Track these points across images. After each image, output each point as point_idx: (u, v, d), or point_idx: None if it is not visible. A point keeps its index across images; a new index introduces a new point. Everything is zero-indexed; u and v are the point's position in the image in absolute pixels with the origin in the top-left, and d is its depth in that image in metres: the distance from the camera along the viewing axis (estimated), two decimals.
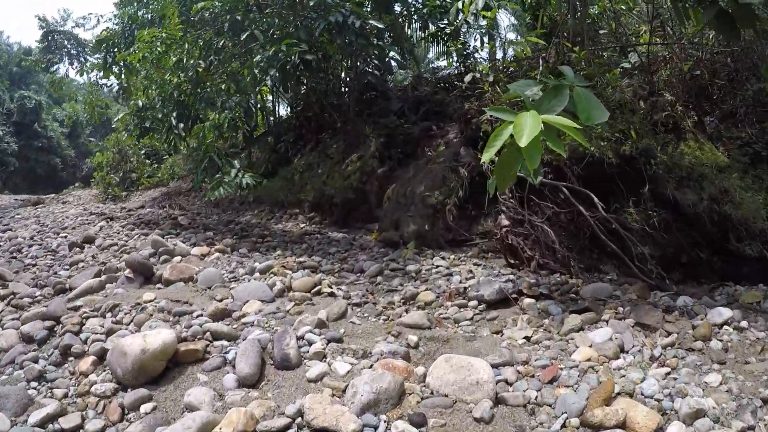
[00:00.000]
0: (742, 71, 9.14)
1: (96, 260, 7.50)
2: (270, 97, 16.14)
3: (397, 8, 11.93)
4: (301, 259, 7.44)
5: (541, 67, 7.68)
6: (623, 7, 10.52)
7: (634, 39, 9.25)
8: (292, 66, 8.36)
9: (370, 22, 8.90)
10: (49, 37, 27.82)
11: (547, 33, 8.52)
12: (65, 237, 9.51)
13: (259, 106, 14.86)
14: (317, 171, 11.83)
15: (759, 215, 7.78)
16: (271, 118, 16.91)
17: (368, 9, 11.94)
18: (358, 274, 6.92)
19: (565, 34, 8.56)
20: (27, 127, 42.33)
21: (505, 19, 14.47)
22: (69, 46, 27.66)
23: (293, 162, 13.21)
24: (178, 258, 7.15)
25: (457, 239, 8.43)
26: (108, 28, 14.33)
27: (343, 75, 12.74)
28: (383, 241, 8.74)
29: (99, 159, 18.87)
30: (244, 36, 9.26)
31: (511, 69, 8.29)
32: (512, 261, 7.33)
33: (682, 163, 7.64)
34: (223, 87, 9.76)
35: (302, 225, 10.69)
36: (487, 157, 3.73)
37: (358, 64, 9.33)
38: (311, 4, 9.42)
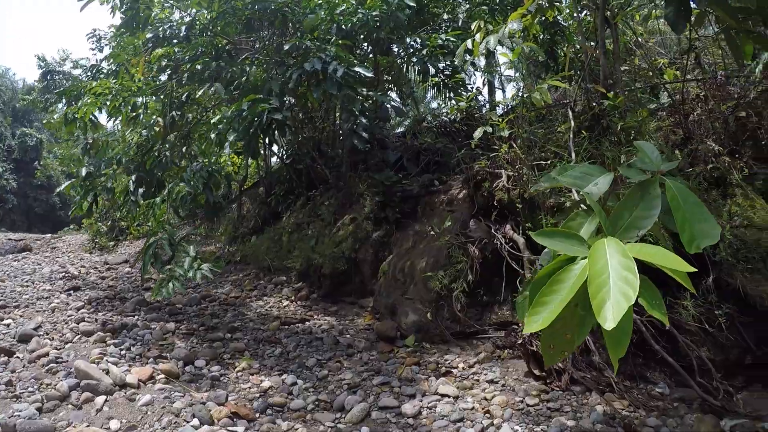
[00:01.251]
0: None
1: (8, 390, 5.71)
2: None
3: (396, 48, 10.45)
4: (269, 382, 5.74)
5: (571, 121, 6.07)
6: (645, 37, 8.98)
7: (660, 75, 7.64)
8: (258, 127, 6.79)
9: (356, 69, 7.33)
10: (48, 77, 26.72)
11: (564, 73, 6.93)
12: (8, 325, 7.88)
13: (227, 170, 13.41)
14: (306, 232, 10.18)
15: None
16: (264, 165, 15.35)
17: (362, 52, 10.43)
18: (338, 415, 5.16)
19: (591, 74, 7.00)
20: (27, 164, 41.22)
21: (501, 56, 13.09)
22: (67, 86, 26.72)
23: (282, 219, 11.61)
24: (103, 398, 5.14)
25: (465, 332, 6.79)
26: (75, 76, 12.93)
27: (338, 122, 11.25)
28: (378, 333, 7.08)
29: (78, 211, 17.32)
30: (201, 91, 7.79)
31: (528, 119, 6.69)
32: (537, 372, 5.69)
33: (748, 239, 6.03)
34: (184, 150, 8.29)
35: (286, 302, 9.03)
36: (534, 327, 2.31)
37: (344, 121, 7.79)
38: (286, 48, 7.87)
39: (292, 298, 9.13)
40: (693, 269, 2.28)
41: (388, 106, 8.35)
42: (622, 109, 5.97)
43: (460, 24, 9.17)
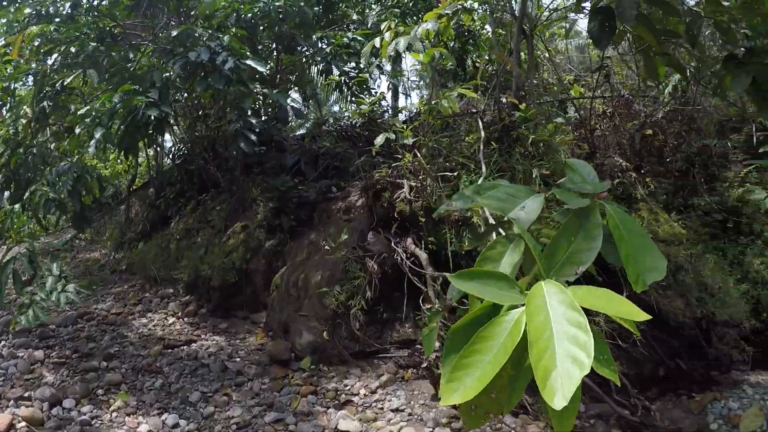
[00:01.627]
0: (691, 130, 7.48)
1: None
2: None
3: (301, 46, 9.66)
4: (147, 426, 4.86)
5: (481, 131, 5.55)
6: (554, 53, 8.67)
7: (568, 91, 7.31)
8: (132, 123, 5.87)
9: (249, 62, 6.52)
10: None
11: (474, 82, 6.44)
12: None
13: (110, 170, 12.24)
14: (196, 240, 9.28)
15: (741, 310, 6.10)
16: (155, 164, 14.15)
17: (265, 48, 9.58)
18: None
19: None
20: None
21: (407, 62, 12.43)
22: None
23: (172, 224, 10.60)
24: None
25: (365, 351, 6.19)
26: None
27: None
28: (270, 356, 6.34)
29: None
30: (71, 77, 6.78)
31: (433, 128, 6.13)
32: None
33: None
34: (52, 146, 7.24)
35: (172, 319, 8.12)
36: (455, 398, 1.70)
37: (232, 120, 6.92)
38: (174, 34, 6.95)
39: (179, 313, 8.23)
40: (648, 317, 1.76)
41: (288, 106, 7.54)
42: (533, 121, 5.52)
43: (369, 26, 8.48)
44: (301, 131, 11.56)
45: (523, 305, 1.79)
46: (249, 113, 6.75)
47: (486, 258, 2.36)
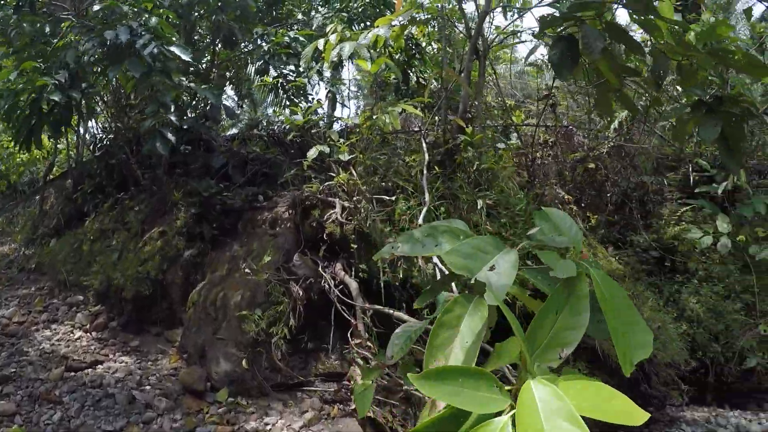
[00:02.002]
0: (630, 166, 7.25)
1: None
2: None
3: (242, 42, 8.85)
4: None
5: (425, 153, 5.02)
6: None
7: (511, 116, 6.90)
8: (33, 109, 5.07)
9: (173, 49, 5.78)
10: None
11: (420, 99, 5.92)
12: None
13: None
14: (111, 242, 8.43)
15: (681, 351, 5.88)
16: (76, 152, 13.01)
17: (201, 39, 8.77)
18: None
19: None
20: None
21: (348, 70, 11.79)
22: None
23: (87, 221, 9.66)
24: None
25: (288, 383, 5.59)
26: None
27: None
28: (184, 385, 5.66)
29: None
30: None
31: (372, 144, 5.58)
32: None
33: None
34: None
35: (79, 333, 7.29)
36: None
37: (149, 114, 6.09)
38: (96, 8, 6.14)
39: (87, 326, 7.42)
40: (647, 416, 1.29)
41: (220, 105, 6.79)
42: (478, 146, 5.05)
43: (314, 28, 7.78)
44: (234, 131, 10.79)
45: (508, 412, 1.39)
46: (172, 108, 6.00)
47: (443, 324, 1.85)
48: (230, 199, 7.66)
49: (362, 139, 5.34)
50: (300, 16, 7.91)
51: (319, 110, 8.54)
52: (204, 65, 8.10)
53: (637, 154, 6.88)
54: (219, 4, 7.07)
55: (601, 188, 6.76)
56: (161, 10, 6.38)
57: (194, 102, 8.20)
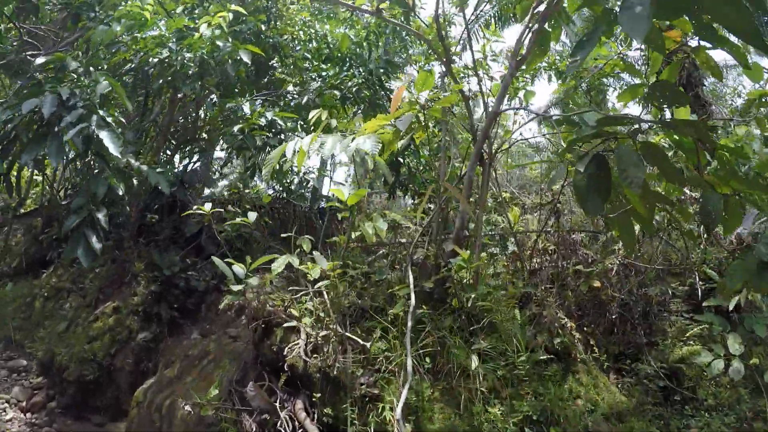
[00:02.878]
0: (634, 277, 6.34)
1: None
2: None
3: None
4: None
5: (411, 297, 4.00)
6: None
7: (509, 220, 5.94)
8: None
9: (102, 134, 4.60)
10: None
11: (414, 213, 4.94)
12: None
13: None
14: (63, 305, 7.39)
15: None
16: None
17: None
18: None
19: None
20: None
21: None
22: None
23: (47, 271, 8.57)
24: None
25: None
26: None
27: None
28: None
29: None
30: None
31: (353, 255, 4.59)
32: None
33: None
34: None
35: (13, 412, 6.19)
36: None
37: (72, 211, 4.96)
38: (39, 62, 5.09)
39: (24, 403, 6.33)
40: None
41: (168, 191, 5.63)
42: (472, 273, 4.09)
43: (305, 101, 6.71)
44: (218, 187, 9.72)
45: None
46: (105, 198, 4.93)
47: None
48: (195, 279, 6.64)
49: (341, 248, 4.38)
50: (291, 87, 6.87)
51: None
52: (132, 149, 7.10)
53: (647, 271, 5.95)
54: (191, 71, 5.99)
55: (604, 307, 5.80)
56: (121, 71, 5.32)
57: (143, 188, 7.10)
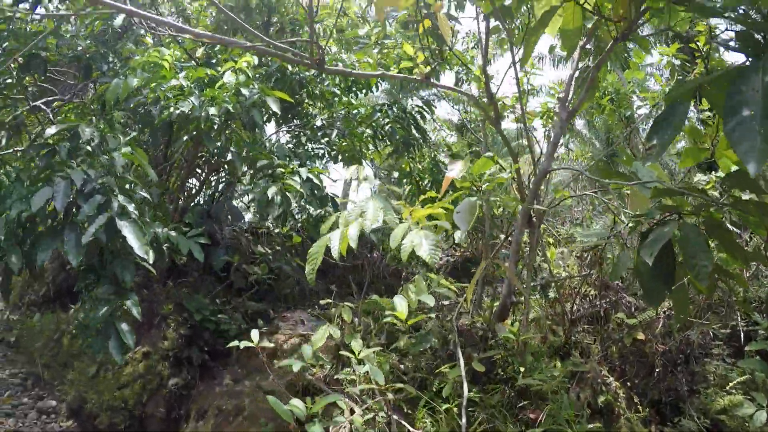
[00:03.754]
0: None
1: None
2: None
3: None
4: None
5: (464, 385, 3.69)
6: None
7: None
8: None
9: (126, 231, 4.10)
10: None
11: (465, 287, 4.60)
12: None
13: None
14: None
15: None
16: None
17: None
18: None
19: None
20: None
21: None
22: None
23: (72, 308, 8.34)
24: None
25: None
26: None
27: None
28: None
29: None
30: None
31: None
32: None
33: None
34: None
35: None
36: None
37: (98, 299, 4.58)
38: (51, 131, 4.67)
39: None
40: None
41: (201, 257, 5.21)
42: (520, 348, 3.80)
43: (333, 136, 6.35)
44: (245, 220, 9.40)
45: None
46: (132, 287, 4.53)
47: None
48: (226, 323, 6.37)
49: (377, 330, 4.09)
50: (319, 122, 6.52)
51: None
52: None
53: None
54: (216, 122, 5.45)
55: (647, 359, 5.48)
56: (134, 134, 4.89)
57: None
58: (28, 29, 5.01)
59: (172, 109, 4.73)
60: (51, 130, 4.34)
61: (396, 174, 6.70)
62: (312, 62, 2.72)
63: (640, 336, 5.24)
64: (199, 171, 8.38)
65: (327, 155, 6.97)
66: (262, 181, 5.16)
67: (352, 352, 3.80)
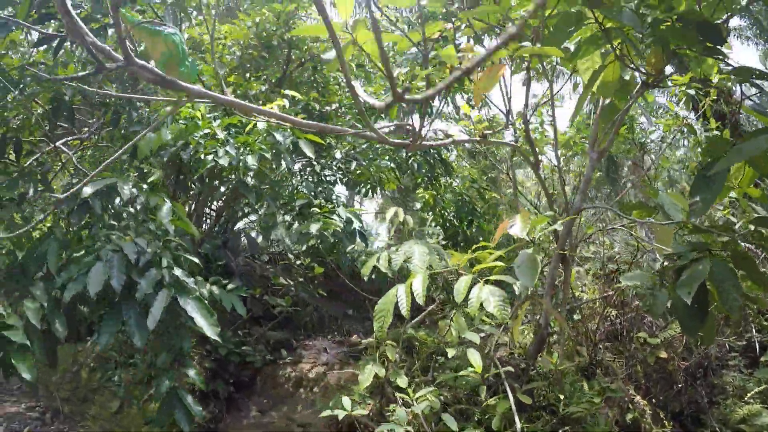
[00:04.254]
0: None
1: None
2: None
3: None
4: None
5: (516, 419, 3.72)
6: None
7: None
8: None
9: (191, 310, 4.05)
10: None
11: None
12: None
13: None
14: (113, 378, 7.11)
15: None
16: None
17: None
18: None
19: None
20: None
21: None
22: None
23: (89, 339, 8.24)
24: None
25: None
26: None
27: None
28: None
29: None
30: None
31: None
32: None
33: None
34: None
35: None
36: None
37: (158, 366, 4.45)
38: (88, 191, 4.18)
39: None
40: None
41: (244, 313, 5.10)
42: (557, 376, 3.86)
43: (353, 167, 6.30)
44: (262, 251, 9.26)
45: None
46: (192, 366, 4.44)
47: None
48: (251, 354, 6.37)
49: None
50: (338, 155, 6.35)
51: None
52: None
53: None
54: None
55: (670, 375, 5.57)
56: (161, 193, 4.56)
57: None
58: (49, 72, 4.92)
59: (210, 158, 4.65)
60: (88, 190, 4.08)
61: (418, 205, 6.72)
62: (410, 143, 2.69)
63: (663, 354, 5.33)
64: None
65: (339, 182, 6.98)
66: (299, 219, 5.16)
67: (399, 389, 3.83)
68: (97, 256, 3.82)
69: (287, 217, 5.32)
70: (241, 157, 4.57)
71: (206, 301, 4.10)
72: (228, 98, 2.78)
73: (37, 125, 5.33)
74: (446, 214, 5.87)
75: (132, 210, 4.37)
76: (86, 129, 5.62)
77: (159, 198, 4.21)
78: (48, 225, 4.94)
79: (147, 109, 4.95)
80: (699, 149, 7.09)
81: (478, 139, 3.25)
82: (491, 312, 2.92)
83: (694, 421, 6.06)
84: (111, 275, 3.74)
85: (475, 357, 3.67)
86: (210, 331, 3.95)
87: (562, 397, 3.93)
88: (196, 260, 4.36)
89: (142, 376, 6.79)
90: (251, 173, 5.05)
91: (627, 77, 3.29)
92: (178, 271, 4.08)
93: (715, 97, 5.52)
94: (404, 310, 3.17)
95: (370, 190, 6.59)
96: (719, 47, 3.29)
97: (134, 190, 4.23)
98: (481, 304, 2.95)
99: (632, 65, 3.07)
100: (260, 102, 5.45)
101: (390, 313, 3.22)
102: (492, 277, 3.21)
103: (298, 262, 6.94)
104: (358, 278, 7.21)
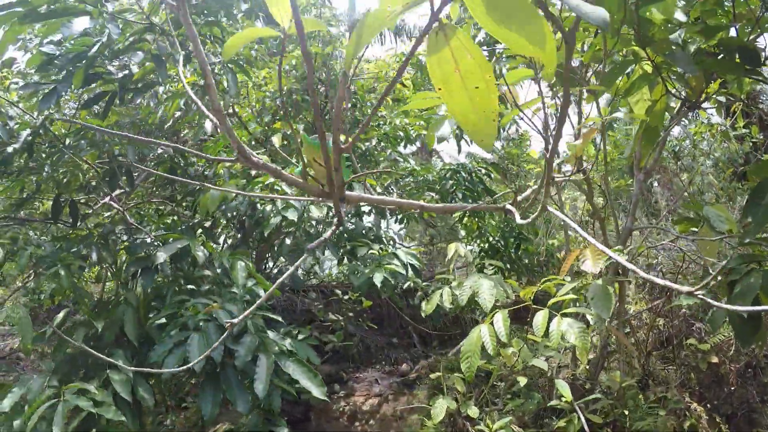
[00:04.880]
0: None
1: None
2: None
3: None
4: None
5: None
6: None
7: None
8: None
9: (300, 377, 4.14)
10: None
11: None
12: None
13: None
14: (163, 421, 7.17)
15: None
16: None
17: None
18: None
19: None
20: None
21: None
22: None
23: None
24: None
25: None
26: None
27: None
28: None
29: None
30: None
31: None
32: None
33: None
34: None
35: None
36: None
37: None
38: (161, 257, 4.23)
39: None
40: None
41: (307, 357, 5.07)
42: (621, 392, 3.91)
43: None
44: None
45: None
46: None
47: None
48: (305, 391, 6.41)
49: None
50: (379, 189, 6.36)
51: None
52: None
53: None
54: None
55: (722, 379, 5.60)
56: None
57: None
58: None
59: (273, 212, 4.75)
60: (162, 255, 4.08)
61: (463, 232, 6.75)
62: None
63: (714, 359, 5.37)
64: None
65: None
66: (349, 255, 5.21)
67: (469, 418, 3.91)
68: (189, 326, 3.84)
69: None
70: (307, 211, 4.62)
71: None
72: (316, 188, 2.77)
73: (89, 184, 5.43)
74: (491, 239, 5.92)
75: (208, 273, 4.39)
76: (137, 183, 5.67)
77: (236, 258, 4.24)
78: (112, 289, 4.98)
79: (201, 165, 5.06)
80: (726, 143, 7.16)
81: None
82: (574, 343, 3.00)
83: (747, 421, 6.07)
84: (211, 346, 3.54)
85: (565, 389, 3.72)
86: (317, 392, 3.97)
87: (626, 412, 3.98)
88: (280, 318, 4.37)
89: (195, 419, 6.87)
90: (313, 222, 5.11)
91: (671, 103, 3.39)
92: (271, 334, 4.07)
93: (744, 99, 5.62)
94: (491, 350, 3.24)
95: (409, 220, 6.66)
96: (758, 68, 3.40)
97: (206, 251, 4.27)
98: (562, 336, 3.03)
99: (674, 89, 3.17)
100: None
101: (477, 355, 3.27)
102: (569, 310, 3.29)
103: (346, 297, 7.01)
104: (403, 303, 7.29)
